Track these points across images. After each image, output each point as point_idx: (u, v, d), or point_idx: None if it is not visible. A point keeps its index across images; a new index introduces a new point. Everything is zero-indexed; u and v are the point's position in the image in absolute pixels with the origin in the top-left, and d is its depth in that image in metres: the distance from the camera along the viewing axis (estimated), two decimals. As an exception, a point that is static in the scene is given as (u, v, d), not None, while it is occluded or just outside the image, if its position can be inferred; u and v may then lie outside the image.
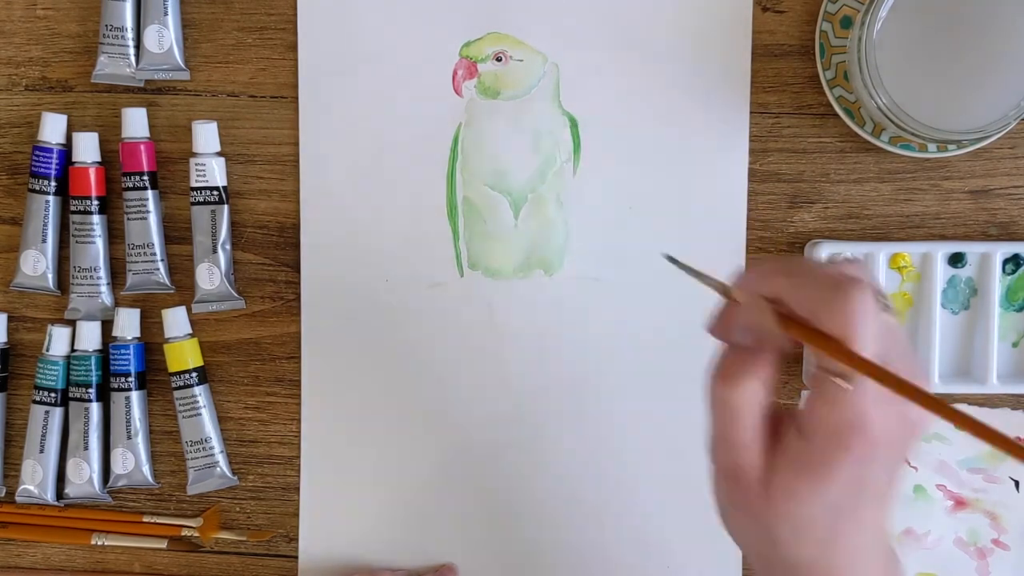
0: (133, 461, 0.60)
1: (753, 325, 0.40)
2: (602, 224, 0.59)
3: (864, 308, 0.37)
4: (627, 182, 0.58)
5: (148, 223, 0.59)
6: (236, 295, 0.60)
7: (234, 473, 0.61)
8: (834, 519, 0.40)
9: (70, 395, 0.60)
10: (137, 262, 0.59)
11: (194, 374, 0.59)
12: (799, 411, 0.40)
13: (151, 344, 0.61)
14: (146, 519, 0.61)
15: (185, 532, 0.61)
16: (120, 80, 0.59)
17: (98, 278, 0.60)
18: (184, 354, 0.59)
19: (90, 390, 0.59)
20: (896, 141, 0.57)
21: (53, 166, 0.59)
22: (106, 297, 0.60)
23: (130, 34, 0.59)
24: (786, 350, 0.40)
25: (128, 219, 0.59)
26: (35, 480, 0.60)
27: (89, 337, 0.59)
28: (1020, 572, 0.59)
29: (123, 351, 0.59)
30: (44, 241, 0.59)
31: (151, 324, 0.61)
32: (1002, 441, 0.35)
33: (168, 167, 0.60)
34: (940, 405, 0.37)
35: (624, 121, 0.58)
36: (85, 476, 0.60)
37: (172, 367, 0.59)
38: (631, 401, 0.59)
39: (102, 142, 0.60)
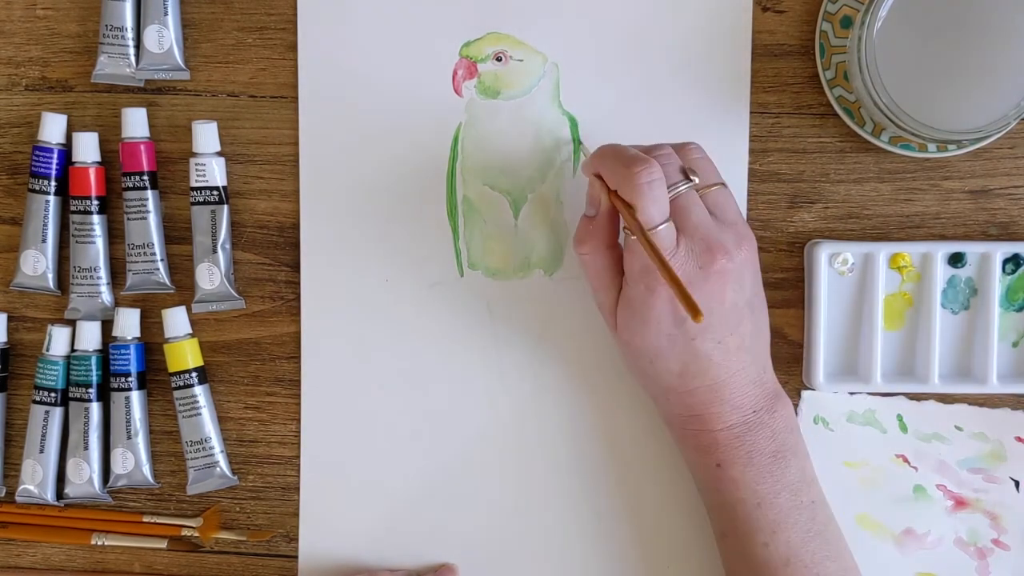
0: (133, 461, 0.60)
1: (593, 197, 0.53)
2: (602, 224, 0.59)
3: (641, 183, 0.48)
4: (627, 182, 0.58)
5: (148, 223, 0.59)
6: (236, 295, 0.60)
7: (234, 473, 0.61)
8: (675, 351, 0.50)
9: (70, 395, 0.60)
10: (137, 262, 0.59)
11: (194, 374, 0.59)
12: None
13: (151, 344, 0.61)
14: (146, 519, 0.61)
15: (185, 532, 0.61)
16: (120, 80, 0.59)
17: (98, 278, 0.60)
18: (184, 354, 0.59)
19: (90, 390, 0.59)
20: (896, 141, 0.57)
21: (53, 166, 0.59)
22: (106, 297, 0.60)
23: (130, 34, 0.59)
24: (616, 215, 0.52)
25: (128, 219, 0.59)
26: (35, 480, 0.60)
27: (89, 337, 0.59)
28: (1020, 572, 0.59)
29: (123, 351, 0.59)
30: (44, 241, 0.59)
31: (151, 324, 0.61)
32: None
33: (168, 167, 0.60)
34: (671, 274, 0.48)
35: (624, 121, 0.58)
36: (85, 476, 0.60)
37: (172, 367, 0.59)
38: (631, 401, 0.59)
39: (102, 142, 0.60)
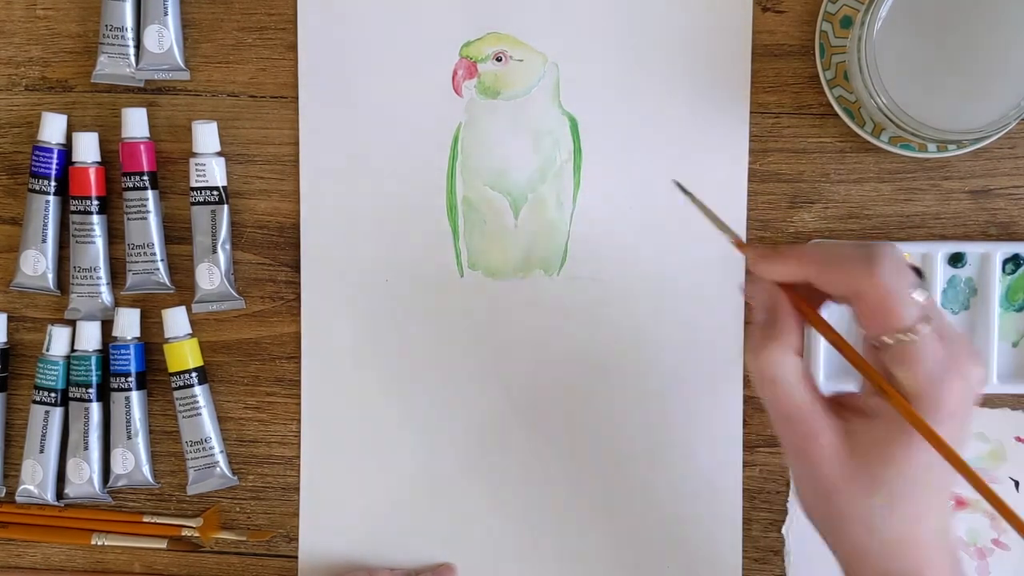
0: (133, 461, 0.60)
1: (762, 303, 0.42)
2: (602, 224, 0.59)
3: (900, 276, 0.39)
4: (627, 182, 0.58)
5: (148, 223, 0.59)
6: (236, 295, 0.60)
7: (234, 473, 0.61)
8: (924, 490, 0.41)
9: (70, 395, 0.60)
10: (137, 262, 0.59)
11: (194, 374, 0.59)
12: (855, 396, 0.42)
13: (151, 344, 0.61)
14: (146, 519, 0.61)
15: (185, 532, 0.61)
16: (120, 80, 0.59)
17: (98, 278, 0.60)
18: (184, 354, 0.59)
19: (90, 390, 0.59)
20: (896, 141, 0.57)
21: (53, 166, 0.59)
22: (106, 297, 0.60)
23: (130, 34, 0.59)
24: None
25: (128, 219, 0.59)
26: (35, 480, 0.60)
27: (89, 337, 0.59)
28: (1020, 572, 0.59)
29: (123, 351, 0.59)
30: (44, 241, 0.59)
31: (151, 324, 0.61)
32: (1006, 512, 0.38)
33: (168, 167, 0.60)
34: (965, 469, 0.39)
35: (624, 121, 0.58)
36: (85, 476, 0.60)
37: (172, 367, 0.59)
38: (631, 401, 0.59)
39: (102, 142, 0.60)
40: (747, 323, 0.45)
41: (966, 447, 0.41)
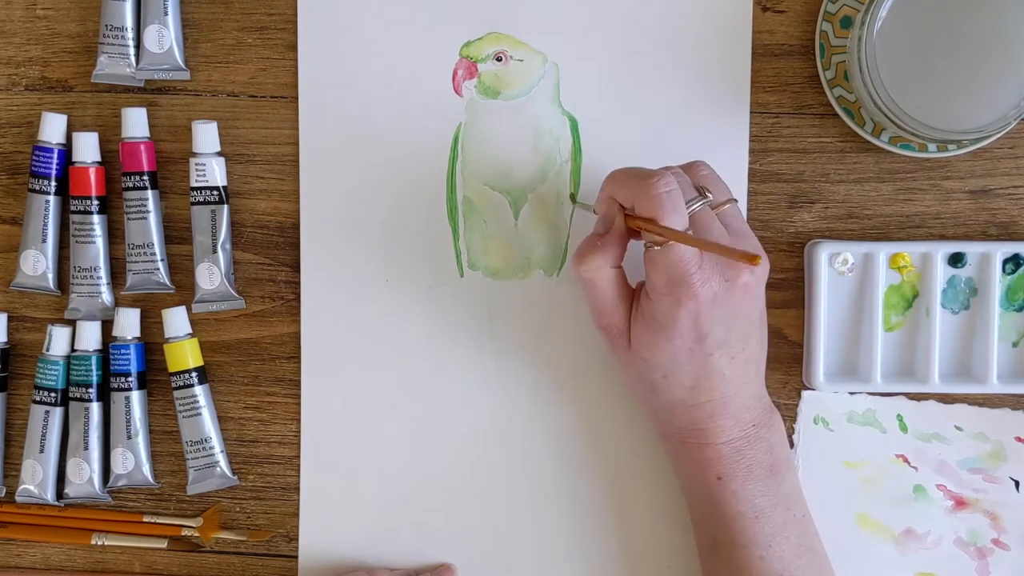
0: (133, 461, 0.60)
1: (604, 216, 0.52)
2: (602, 224, 0.59)
3: (660, 192, 0.48)
4: (627, 182, 0.58)
5: (148, 223, 0.59)
6: (236, 295, 0.60)
7: (234, 473, 0.61)
8: (693, 366, 0.50)
9: (70, 395, 0.60)
10: (137, 262, 0.59)
11: (194, 374, 0.59)
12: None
13: (151, 344, 0.61)
14: (146, 519, 0.61)
15: (185, 532, 0.61)
16: (120, 80, 0.59)
17: (98, 278, 0.60)
18: (184, 354, 0.59)
19: (90, 390, 0.59)
20: (896, 141, 0.57)
21: (53, 166, 0.59)
22: (106, 297, 0.60)
23: (130, 34, 0.59)
24: (626, 235, 0.52)
25: (128, 219, 0.59)
26: (35, 480, 0.60)
27: (89, 337, 0.59)
28: (1020, 572, 0.59)
29: (123, 351, 0.59)
30: (44, 241, 0.59)
31: (151, 324, 0.61)
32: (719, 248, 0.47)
33: (168, 167, 0.60)
34: (712, 244, 0.48)
35: (624, 121, 0.58)
36: (85, 476, 0.60)
37: (172, 367, 0.59)
38: (631, 400, 0.59)
39: (102, 142, 0.60)
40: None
41: (721, 330, 0.50)
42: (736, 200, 0.53)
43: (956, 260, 0.57)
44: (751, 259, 0.44)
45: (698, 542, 0.55)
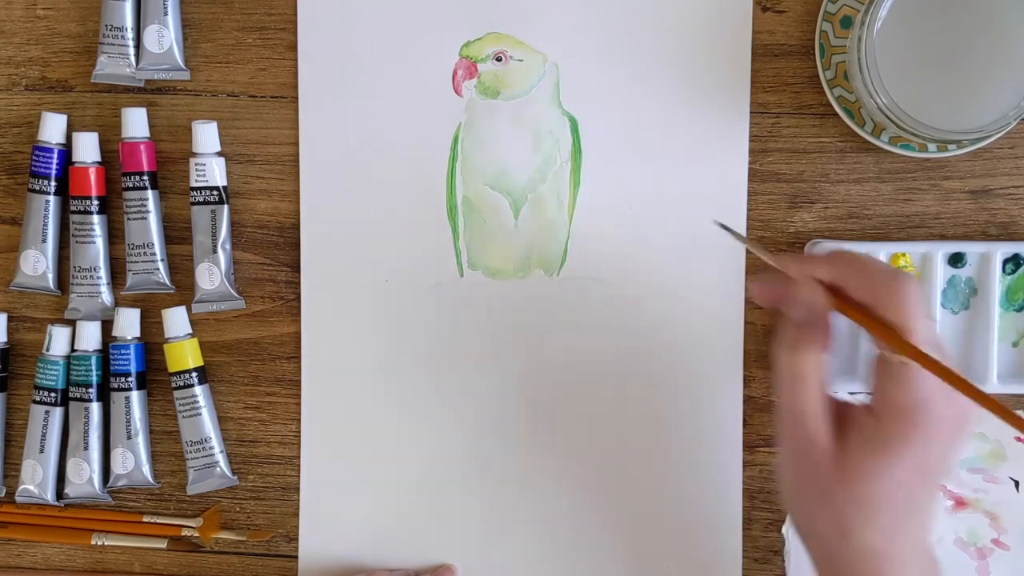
0: (133, 461, 0.60)
1: (807, 303, 0.45)
2: (602, 224, 0.59)
3: (918, 301, 0.42)
4: (627, 182, 0.58)
5: (148, 223, 0.59)
6: (236, 295, 0.60)
7: (234, 473, 0.61)
8: (901, 505, 0.43)
9: (70, 395, 0.60)
10: (137, 262, 0.59)
11: (194, 374, 0.59)
12: (867, 400, 0.44)
13: (151, 344, 0.61)
14: (146, 519, 0.61)
15: (185, 532, 0.61)
16: (120, 80, 0.59)
17: (98, 278, 0.60)
18: (184, 354, 0.59)
19: (90, 390, 0.59)
20: (896, 141, 0.57)
21: (53, 166, 0.59)
22: (106, 297, 0.60)
23: (130, 34, 0.59)
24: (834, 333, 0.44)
25: (128, 219, 0.59)
26: (35, 480, 0.60)
27: (89, 337, 0.59)
28: (1020, 572, 0.59)
29: (123, 351, 0.59)
30: (44, 241, 0.59)
31: (151, 324, 0.61)
32: None
33: (168, 167, 0.60)
34: (985, 397, 0.40)
35: (624, 121, 0.58)
36: (85, 476, 0.60)
37: (172, 367, 0.59)
38: (631, 401, 0.59)
39: (102, 142, 0.60)
40: (768, 323, 0.46)
41: (946, 464, 0.44)
42: None
43: (956, 260, 0.57)
44: None
45: None
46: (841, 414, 0.45)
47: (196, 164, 0.59)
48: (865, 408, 0.44)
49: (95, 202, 0.59)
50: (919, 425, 0.42)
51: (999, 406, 0.40)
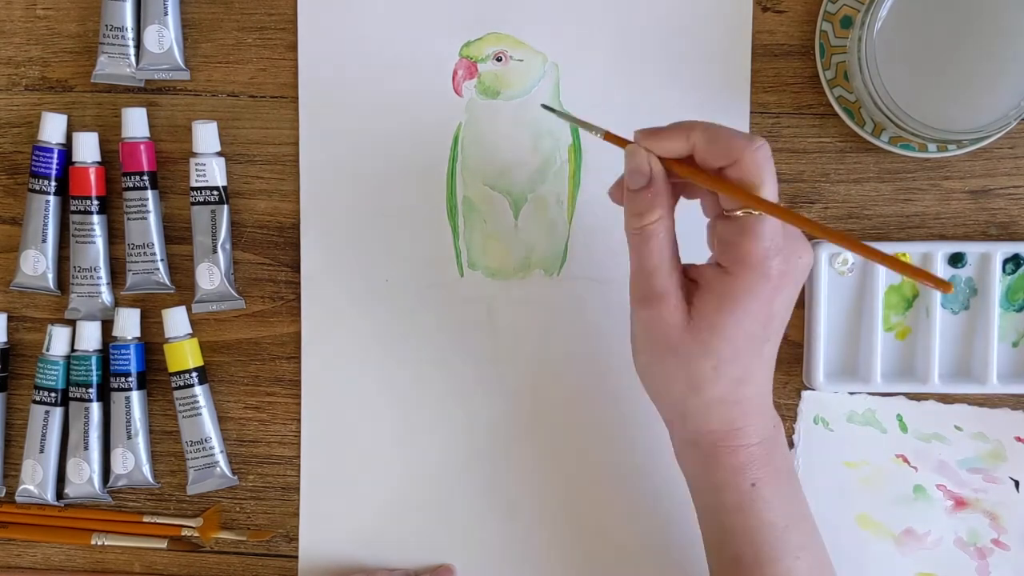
0: (133, 461, 0.60)
1: (641, 170, 0.47)
2: (602, 224, 0.59)
3: (767, 159, 0.44)
4: (627, 182, 0.58)
5: (148, 223, 0.59)
6: (236, 295, 0.60)
7: (234, 473, 0.61)
8: (748, 355, 0.46)
9: (70, 395, 0.60)
10: (137, 262, 0.59)
11: (194, 374, 0.59)
12: (715, 255, 0.47)
13: (151, 344, 0.61)
14: (146, 519, 0.61)
15: (185, 532, 0.61)
16: (120, 80, 0.59)
17: (98, 278, 0.60)
18: (184, 354, 0.59)
19: (90, 390, 0.59)
20: (896, 141, 0.57)
21: (53, 166, 0.59)
22: (106, 297, 0.60)
23: (130, 34, 0.59)
24: (671, 188, 0.47)
25: (128, 219, 0.59)
26: (35, 480, 0.60)
27: (89, 337, 0.59)
28: (1020, 572, 0.59)
29: (123, 351, 0.59)
30: (44, 241, 0.59)
31: (151, 324, 0.61)
32: (876, 254, 0.43)
33: (168, 167, 0.60)
34: (831, 231, 0.44)
35: (624, 121, 0.58)
36: (85, 476, 0.60)
37: (172, 367, 0.59)
38: (631, 401, 0.59)
39: (102, 142, 0.60)
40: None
41: (785, 314, 0.47)
42: None
43: (956, 260, 0.57)
44: (944, 286, 0.41)
45: (716, 563, 0.51)
46: (688, 274, 0.47)
47: (196, 164, 0.59)
48: (713, 266, 0.46)
49: (95, 202, 0.59)
50: (769, 276, 0.44)
51: (841, 235, 0.44)
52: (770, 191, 0.44)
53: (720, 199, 0.46)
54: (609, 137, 0.50)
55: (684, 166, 0.46)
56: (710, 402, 0.47)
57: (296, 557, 0.61)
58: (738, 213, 0.45)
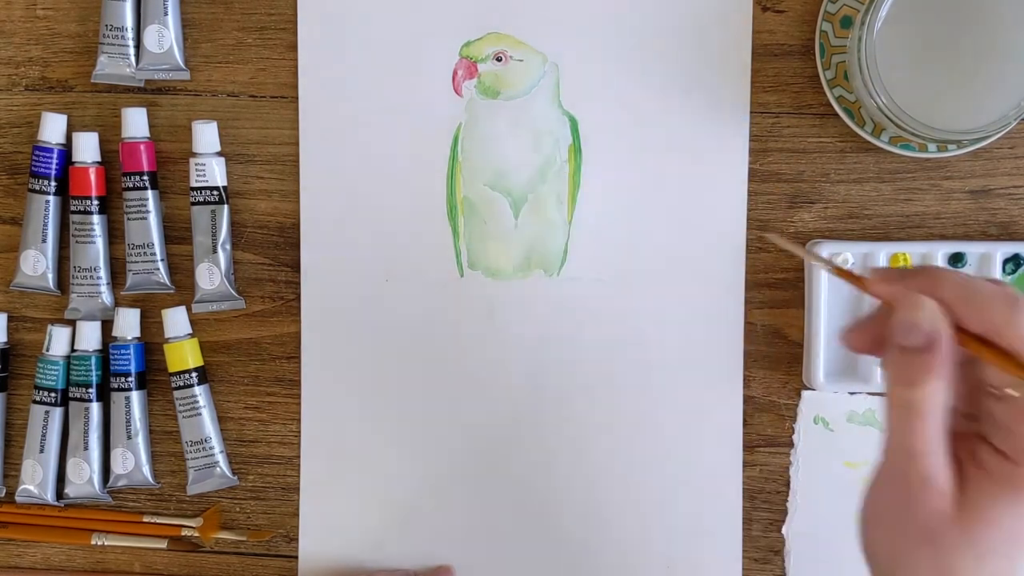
0: (133, 461, 0.60)
1: (923, 328, 0.38)
2: (602, 224, 0.59)
3: None
4: (627, 182, 0.58)
5: (148, 223, 0.59)
6: (236, 295, 0.60)
7: (234, 473, 0.61)
8: (1016, 550, 0.38)
9: (70, 395, 0.60)
10: (137, 262, 0.59)
11: (194, 374, 0.59)
12: (986, 431, 0.39)
13: (151, 344, 0.61)
14: (146, 519, 0.61)
15: (185, 532, 0.61)
16: (120, 80, 0.59)
17: (98, 278, 0.60)
18: (184, 354, 0.59)
19: (90, 390, 0.59)
20: (896, 141, 0.57)
21: (53, 166, 0.59)
22: (106, 297, 0.60)
23: (130, 34, 0.59)
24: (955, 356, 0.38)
25: (128, 219, 0.59)
26: (35, 480, 0.60)
27: (89, 337, 0.59)
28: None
29: (123, 351, 0.59)
30: (44, 241, 0.59)
31: (151, 324, 0.61)
32: None
33: (168, 167, 0.60)
34: None
35: (624, 121, 0.58)
36: (85, 476, 0.60)
37: (172, 367, 0.59)
38: (631, 401, 0.59)
39: (102, 142, 0.60)
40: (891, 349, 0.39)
41: None
42: None
43: (956, 260, 0.57)
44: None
45: None
46: (955, 450, 0.39)
47: (196, 164, 0.59)
48: (992, 448, 0.39)
49: (95, 202, 0.59)
50: None
51: None
52: None
53: (979, 368, 0.39)
54: (841, 273, 0.42)
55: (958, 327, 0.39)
56: None
57: (296, 557, 0.61)
58: (1010, 392, 0.38)
